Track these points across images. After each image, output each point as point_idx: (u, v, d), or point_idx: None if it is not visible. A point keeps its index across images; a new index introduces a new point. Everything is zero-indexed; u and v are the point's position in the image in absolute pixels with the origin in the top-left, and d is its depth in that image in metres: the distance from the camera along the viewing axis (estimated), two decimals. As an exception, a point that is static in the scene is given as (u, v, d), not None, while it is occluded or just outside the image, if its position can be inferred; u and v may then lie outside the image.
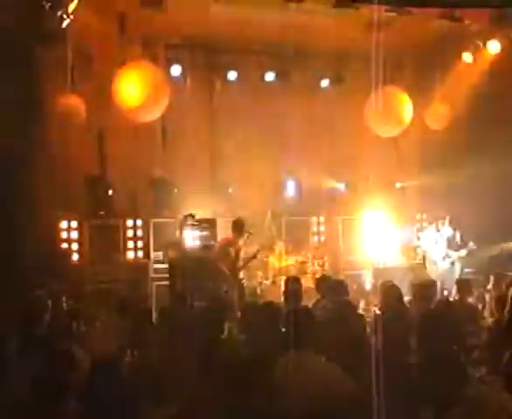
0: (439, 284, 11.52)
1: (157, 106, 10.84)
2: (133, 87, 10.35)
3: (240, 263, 10.40)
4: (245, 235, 10.48)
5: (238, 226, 10.45)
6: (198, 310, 7.70)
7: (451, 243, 11.94)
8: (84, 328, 6.99)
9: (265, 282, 11.70)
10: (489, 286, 9.65)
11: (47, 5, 9.19)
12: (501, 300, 6.92)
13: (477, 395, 3.91)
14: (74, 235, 11.36)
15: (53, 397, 4.29)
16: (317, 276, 11.65)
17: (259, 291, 11.44)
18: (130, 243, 11.74)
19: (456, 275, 11.51)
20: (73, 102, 10.74)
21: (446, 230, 12.05)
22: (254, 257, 10.62)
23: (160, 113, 11.20)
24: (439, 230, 12.12)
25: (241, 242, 10.45)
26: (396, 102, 12.19)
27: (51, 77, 11.17)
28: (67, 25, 9.54)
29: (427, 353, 4.67)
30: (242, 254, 10.49)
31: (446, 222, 12.10)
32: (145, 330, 6.35)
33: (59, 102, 10.67)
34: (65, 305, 8.22)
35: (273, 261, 11.83)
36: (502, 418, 3.76)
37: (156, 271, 11.61)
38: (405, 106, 12.20)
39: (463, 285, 8.41)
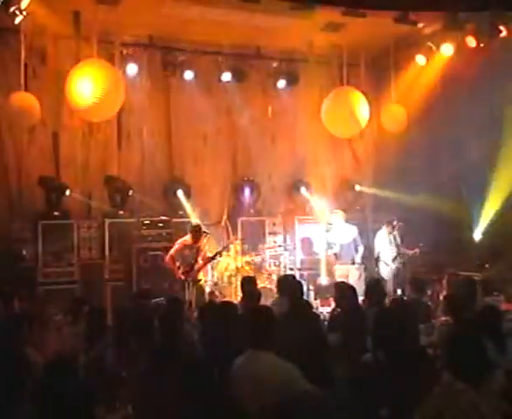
0: (391, 283, 11.71)
1: (112, 105, 10.71)
2: (87, 86, 10.19)
3: (199, 264, 10.52)
4: (204, 236, 10.72)
5: (197, 229, 10.68)
6: (155, 309, 7.68)
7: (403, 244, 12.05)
8: (37, 330, 6.87)
9: (221, 282, 11.70)
10: (442, 285, 9.81)
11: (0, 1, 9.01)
12: (453, 299, 7.04)
13: (448, 394, 3.88)
14: (28, 235, 11.12)
15: (6, 400, 4.22)
16: (273, 275, 11.74)
17: (216, 291, 11.43)
18: (84, 244, 11.54)
19: (407, 274, 11.55)
20: (28, 101, 10.54)
21: (398, 232, 12.10)
22: (213, 258, 10.85)
23: (114, 112, 11.08)
24: (391, 232, 12.14)
25: (200, 244, 10.56)
26: (352, 102, 12.25)
27: (3, 74, 10.99)
28: (21, 22, 9.38)
29: (388, 351, 4.68)
30: (202, 255, 10.59)
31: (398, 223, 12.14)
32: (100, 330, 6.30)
33: (13, 101, 10.46)
34: (17, 306, 8.10)
35: (229, 261, 11.81)
36: (474, 417, 3.75)
37: (111, 271, 11.45)
38: (362, 106, 12.26)
39: (416, 283, 8.50)
